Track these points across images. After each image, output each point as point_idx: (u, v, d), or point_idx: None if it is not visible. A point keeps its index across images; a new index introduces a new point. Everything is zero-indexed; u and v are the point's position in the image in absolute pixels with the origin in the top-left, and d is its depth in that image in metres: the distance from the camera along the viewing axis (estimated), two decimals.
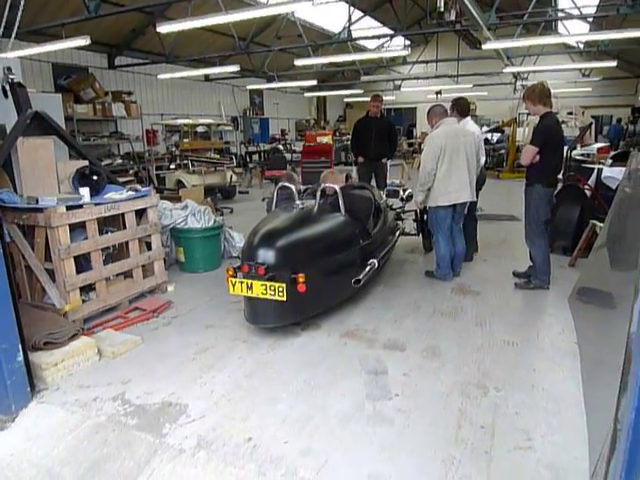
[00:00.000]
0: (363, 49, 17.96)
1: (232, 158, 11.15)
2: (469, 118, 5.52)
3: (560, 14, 11.78)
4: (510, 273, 4.73)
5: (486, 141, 15.96)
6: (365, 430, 2.39)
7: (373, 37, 14.22)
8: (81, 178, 3.97)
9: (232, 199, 10.17)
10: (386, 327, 3.59)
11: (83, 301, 3.67)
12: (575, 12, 11.24)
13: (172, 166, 10.85)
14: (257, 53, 13.19)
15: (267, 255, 3.24)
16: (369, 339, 3.39)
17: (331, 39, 15.86)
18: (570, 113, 15.11)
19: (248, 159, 13.89)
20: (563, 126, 15.61)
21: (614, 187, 5.43)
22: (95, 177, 3.96)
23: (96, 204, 3.71)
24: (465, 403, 2.59)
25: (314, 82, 14.70)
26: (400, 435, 2.34)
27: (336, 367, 3.02)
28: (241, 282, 3.27)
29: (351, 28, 16.28)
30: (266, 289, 3.19)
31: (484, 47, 8.93)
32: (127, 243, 4.04)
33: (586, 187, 5.71)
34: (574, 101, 15.43)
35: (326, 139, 10.79)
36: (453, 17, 11.08)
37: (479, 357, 3.09)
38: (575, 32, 13.09)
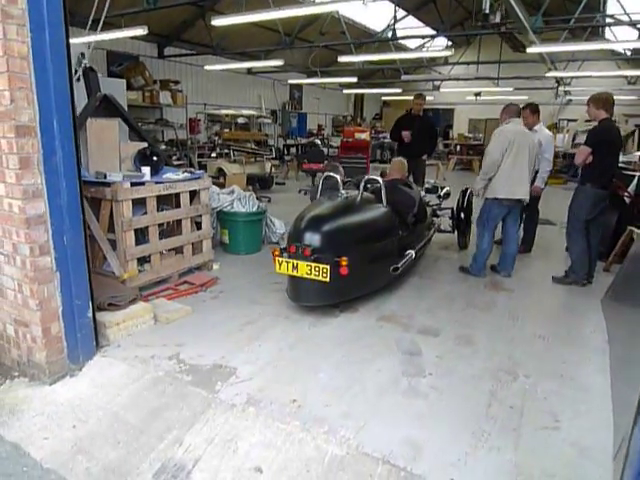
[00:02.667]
0: (404, 48, 17.97)
1: (271, 150, 11.42)
2: (542, 124, 5.65)
3: (608, 19, 11.55)
4: (545, 274, 4.81)
5: None
6: (400, 401, 2.58)
7: (416, 37, 14.26)
8: (142, 158, 4.27)
9: (270, 189, 10.45)
10: (421, 315, 3.76)
11: (139, 271, 3.98)
12: (624, 18, 10.99)
13: (213, 154, 11.21)
14: (301, 48, 13.39)
15: (313, 238, 3.45)
16: (404, 324, 3.57)
17: (373, 37, 16.00)
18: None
19: (286, 152, 14.16)
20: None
21: None
22: (155, 158, 4.25)
23: (156, 182, 4.01)
24: (495, 386, 2.74)
25: (354, 79, 14.84)
26: (433, 408, 2.52)
27: (373, 346, 3.21)
28: (287, 262, 3.49)
29: (395, 27, 16.42)
30: (311, 269, 3.40)
31: (529, 51, 8.89)
32: (180, 221, 4.33)
33: (625, 194, 5.70)
34: (618, 109, 15.03)
35: (364, 135, 10.94)
36: (498, 19, 11.06)
37: (510, 348, 3.23)
38: (622, 39, 12.81)
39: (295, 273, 3.48)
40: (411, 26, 16.78)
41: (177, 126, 11.75)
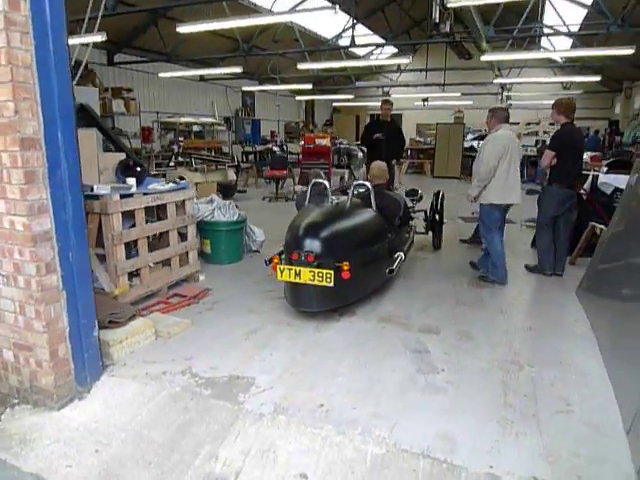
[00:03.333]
0: (354, 56, 18.40)
1: (233, 157, 11.32)
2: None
3: (546, 30, 12.43)
4: (516, 269, 5.10)
5: (471, 148, 16.62)
6: (422, 398, 2.67)
7: (373, 44, 14.60)
8: (124, 169, 4.13)
9: (232, 197, 10.32)
10: (417, 315, 3.88)
11: (130, 286, 3.84)
12: (561, 28, 11.87)
13: (171, 163, 10.93)
14: (258, 55, 13.36)
15: (315, 244, 3.49)
16: (404, 324, 3.68)
17: (324, 44, 16.25)
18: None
19: (244, 159, 14.05)
20: (546, 136, 16.24)
21: (609, 192, 5.90)
22: (139, 169, 4.12)
23: (144, 194, 3.89)
24: (505, 376, 2.90)
25: (309, 86, 15.00)
26: (454, 402, 2.63)
27: (381, 347, 3.29)
28: (289, 269, 3.51)
29: (344, 35, 16.77)
30: (314, 275, 3.43)
31: (482, 59, 9.39)
32: (165, 233, 4.22)
33: (582, 191, 6.15)
34: None
35: (324, 141, 11.06)
36: (448, 29, 11.59)
37: (507, 339, 3.42)
38: (559, 48, 13.81)
39: (298, 280, 3.49)
40: (360, 34, 17.22)
41: (131, 135, 11.38)
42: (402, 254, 4.19)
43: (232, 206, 5.43)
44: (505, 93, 17.29)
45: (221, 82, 16.18)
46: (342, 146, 14.92)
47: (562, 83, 16.65)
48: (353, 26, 11.58)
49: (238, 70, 11.06)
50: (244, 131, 17.45)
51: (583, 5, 10.71)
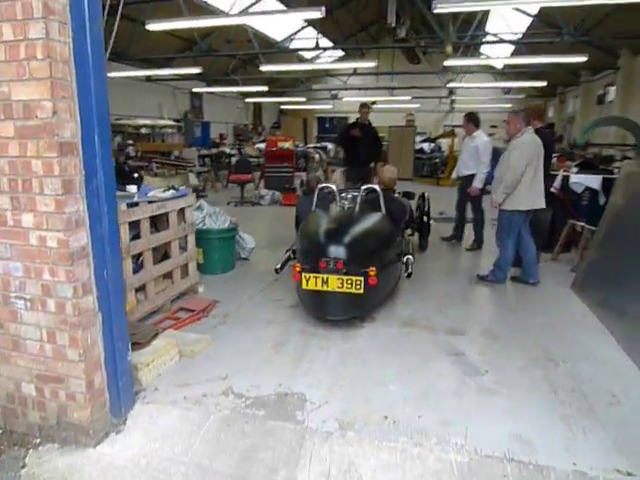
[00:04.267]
0: (302, 59, 18.39)
1: (198, 161, 10.88)
2: (481, 130, 6.16)
3: (491, 37, 13.09)
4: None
5: (421, 151, 17.16)
6: (480, 401, 2.67)
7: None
8: (118, 176, 3.79)
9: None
10: (435, 316, 3.89)
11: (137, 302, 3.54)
12: (505, 36, 12.55)
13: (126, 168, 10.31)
14: (211, 56, 12.95)
15: (344, 251, 3.40)
16: (428, 327, 3.67)
17: (274, 46, 16.11)
18: (494, 126, 16.73)
19: (202, 163, 13.57)
20: (491, 138, 17.04)
21: (579, 191, 6.27)
22: (136, 175, 3.82)
23: (149, 202, 3.61)
24: (546, 374, 2.96)
25: (265, 88, 14.78)
26: (511, 402, 2.65)
27: (417, 352, 3.26)
28: (316, 277, 3.38)
29: (293, 37, 16.71)
30: (342, 283, 3.34)
31: (445, 63, 9.69)
32: (169, 243, 3.94)
33: (553, 189, 6.50)
34: (500, 116, 17.08)
35: (287, 144, 10.93)
36: (404, 34, 11.89)
37: (531, 337, 3.50)
38: (501, 54, 14.61)
39: (325, 288, 3.38)
40: (310, 37, 17.23)
41: None
42: (411, 257, 4.19)
43: (222, 213, 5.18)
44: (453, 97, 18.00)
45: (168, 83, 15.52)
46: (299, 149, 14.88)
47: (502, 88, 17.62)
48: (317, 41, 11.40)
49: (196, 71, 10.64)
50: (194, 134, 16.86)
51: (528, 14, 11.37)
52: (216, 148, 15.71)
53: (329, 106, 20.71)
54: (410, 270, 3.86)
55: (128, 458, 2.27)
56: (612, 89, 12.65)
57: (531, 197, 4.44)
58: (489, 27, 13.75)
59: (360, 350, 3.29)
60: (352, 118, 24.17)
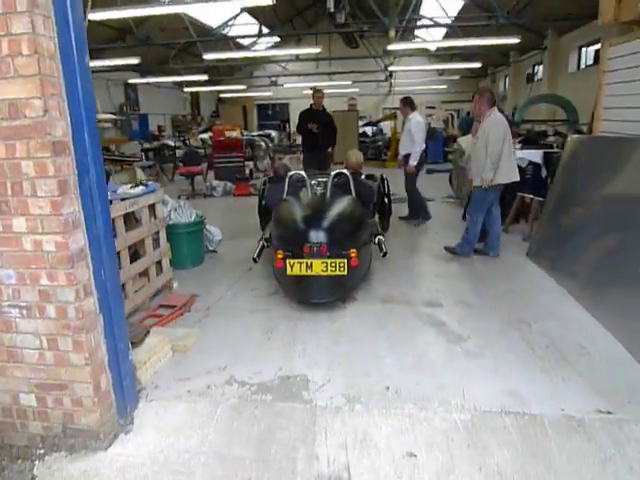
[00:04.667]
0: (239, 45, 18.01)
1: (142, 155, 10.46)
2: (417, 112, 6.43)
3: (427, 21, 13.50)
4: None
5: (364, 134, 17.47)
6: (469, 363, 2.88)
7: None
8: None
9: None
10: (411, 291, 4.09)
11: None
12: (440, 19, 12.98)
13: None
14: (149, 45, 12.39)
15: (325, 235, 3.49)
16: (406, 302, 3.86)
17: (210, 33, 15.66)
18: (432, 107, 17.29)
19: (145, 157, 13.05)
20: (428, 119, 17.51)
21: (524, 166, 6.71)
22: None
23: (122, 199, 3.50)
24: (521, 333, 3.24)
25: (205, 77, 14.38)
26: (496, 362, 2.89)
27: (402, 325, 3.44)
28: (300, 262, 3.46)
29: (229, 23, 16.33)
30: (327, 266, 3.44)
31: (389, 47, 9.90)
32: (143, 240, 3.85)
33: None
34: (436, 97, 17.72)
35: (235, 133, 10.78)
36: (343, 19, 11.98)
37: (501, 303, 3.79)
38: (436, 37, 15.09)
39: (309, 272, 3.47)
40: (246, 23, 16.90)
41: None
42: (382, 237, 4.35)
43: (187, 206, 5.10)
44: (392, 80, 18.40)
45: (100, 75, 14.72)
46: (245, 137, 14.68)
47: (437, 70, 18.24)
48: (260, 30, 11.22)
49: (133, 61, 10.18)
50: (131, 127, 16.16)
51: None
52: (157, 141, 15.14)
53: (269, 93, 20.51)
54: (385, 250, 4.02)
55: (144, 456, 2.27)
56: (540, 68, 13.49)
57: (511, 170, 4.71)
58: (423, 11, 14.17)
59: (348, 329, 3.42)
60: (292, 104, 24.23)
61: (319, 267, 3.44)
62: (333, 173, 4.33)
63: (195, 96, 22.45)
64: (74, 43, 2.04)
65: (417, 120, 6.54)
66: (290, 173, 4.39)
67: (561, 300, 3.80)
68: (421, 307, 3.75)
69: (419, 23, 12.98)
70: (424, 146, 6.53)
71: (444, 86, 18.40)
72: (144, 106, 17.71)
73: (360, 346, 3.15)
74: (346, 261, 3.43)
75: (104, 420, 2.32)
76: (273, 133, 18.34)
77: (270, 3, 6.16)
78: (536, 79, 14.12)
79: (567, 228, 4.40)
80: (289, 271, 3.49)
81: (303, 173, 4.33)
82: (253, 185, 10.34)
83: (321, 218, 3.61)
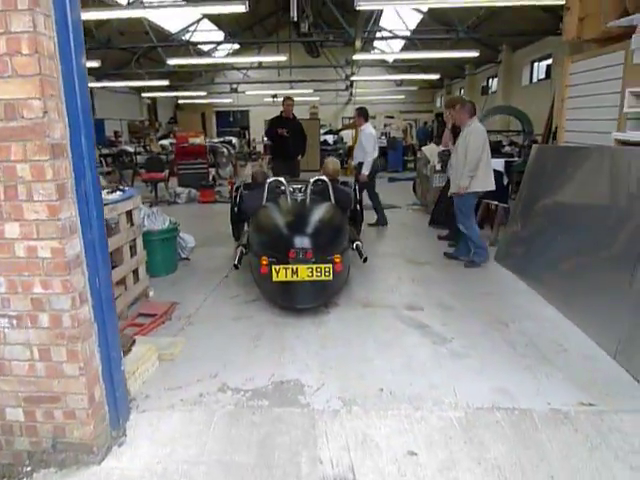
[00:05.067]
0: (199, 51, 17.79)
1: (101, 161, 10.10)
2: (369, 123, 6.66)
3: (386, 33, 13.88)
4: (427, 247, 5.83)
5: (325, 142, 17.65)
6: (456, 364, 2.99)
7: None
8: None
9: None
10: (391, 296, 4.18)
11: None
12: (398, 32, 13.38)
13: None
14: (110, 49, 12.02)
15: (311, 240, 3.52)
16: (388, 306, 3.95)
17: (169, 39, 15.40)
18: (391, 117, 17.73)
19: (105, 163, 12.59)
20: (387, 129, 17.86)
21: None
22: None
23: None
24: (501, 333, 3.39)
25: (166, 82, 14.09)
26: (482, 362, 3.01)
27: (387, 328, 3.51)
28: (285, 268, 3.47)
29: (189, 29, 16.13)
30: (312, 271, 3.47)
31: (355, 57, 10.09)
32: (120, 248, 3.74)
33: None
34: (395, 107, 18.17)
35: (199, 140, 10.62)
36: (306, 29, 12.11)
37: (479, 305, 3.94)
38: (394, 49, 15.51)
39: (295, 278, 3.48)
40: (205, 29, 16.74)
41: None
42: (360, 243, 4.43)
43: (159, 212, 4.99)
44: (353, 89, 18.72)
45: None
46: (208, 144, 14.48)
47: (395, 81, 18.73)
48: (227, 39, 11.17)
49: (93, 65, 9.84)
50: None
51: (420, 11, 12.24)
52: (114, 147, 14.67)
53: (229, 100, 20.35)
54: (365, 255, 4.09)
55: (141, 468, 2.20)
56: (494, 81, 14.15)
57: (486, 179, 4.84)
58: (383, 23, 14.55)
59: (335, 333, 3.46)
60: (253, 111, 24.09)
61: (305, 273, 3.46)
62: (312, 180, 4.38)
63: (153, 102, 21.94)
64: (72, 43, 1.98)
65: (369, 132, 6.82)
66: (269, 179, 4.40)
67: (533, 301, 4.00)
68: (402, 310, 3.84)
69: (379, 35, 13.28)
70: (376, 155, 6.76)
71: (402, 96, 18.94)
72: (100, 111, 17.11)
73: (349, 350, 3.19)
74: (331, 266, 3.47)
75: (97, 433, 2.23)
76: (234, 140, 18.18)
77: (243, 10, 6.15)
78: (490, 91, 14.82)
79: (533, 233, 4.65)
80: (275, 277, 3.49)
81: (282, 179, 4.35)
82: (218, 192, 10.22)
83: (305, 224, 3.64)
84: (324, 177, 4.44)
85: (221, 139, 16.83)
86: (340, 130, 17.55)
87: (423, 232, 6.72)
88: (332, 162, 5.21)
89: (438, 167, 7.61)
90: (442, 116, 19.67)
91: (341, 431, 2.38)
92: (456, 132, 5.46)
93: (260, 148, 20.34)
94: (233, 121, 23.47)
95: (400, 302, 4.02)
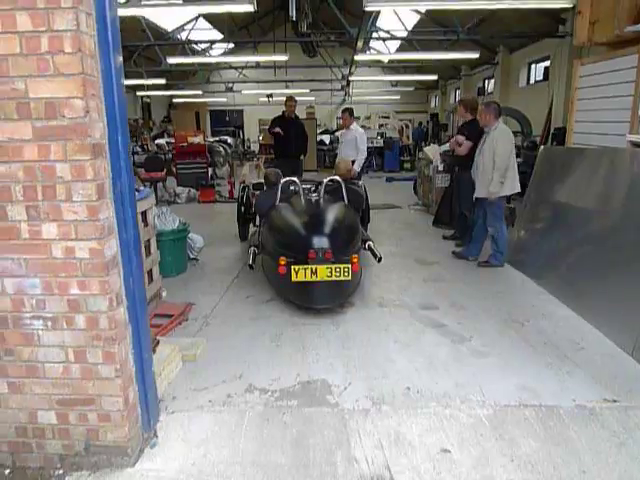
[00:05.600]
0: (194, 50, 17.68)
1: None
2: (355, 123, 6.77)
3: (382, 33, 13.92)
4: (429, 245, 5.90)
5: (322, 142, 17.66)
6: (479, 362, 3.02)
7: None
8: None
9: None
10: (404, 295, 4.20)
11: None
12: (396, 32, 13.42)
13: None
14: None
15: (330, 241, 3.53)
16: (403, 306, 3.97)
17: (164, 37, 15.28)
18: (387, 117, 17.79)
19: None
20: (383, 129, 17.92)
21: None
22: None
23: None
24: (518, 333, 3.43)
25: (163, 81, 13.99)
26: (503, 360, 3.04)
27: (405, 327, 3.53)
28: (305, 269, 3.47)
29: (185, 28, 16.02)
30: (331, 272, 3.48)
31: (361, 58, 10.10)
32: None
33: None
34: (390, 107, 18.24)
35: (198, 139, 10.57)
36: (305, 28, 12.10)
37: (492, 304, 3.98)
38: (391, 49, 15.57)
39: (314, 278, 3.49)
40: (201, 28, 16.64)
41: None
42: (372, 242, 4.45)
43: (169, 212, 4.97)
44: (348, 89, 18.75)
45: None
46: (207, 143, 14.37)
47: (391, 81, 18.80)
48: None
49: None
50: None
51: (418, 12, 12.29)
52: None
53: (224, 99, 20.27)
54: (380, 255, 4.10)
55: (176, 469, 2.20)
56: (491, 82, 14.27)
57: (514, 182, 4.76)
58: (379, 23, 14.58)
59: (354, 332, 3.47)
60: (247, 111, 23.98)
61: (324, 272, 3.47)
62: (325, 180, 4.38)
63: (147, 101, 21.78)
64: (111, 42, 1.97)
65: (361, 131, 6.97)
66: (283, 180, 4.39)
67: (545, 301, 4.05)
68: (418, 310, 3.87)
69: (376, 35, 13.31)
70: (366, 154, 6.93)
71: (397, 97, 19.02)
72: None
73: (370, 349, 3.21)
74: (350, 266, 3.48)
75: (132, 435, 2.22)
76: (229, 139, 18.12)
77: (251, 10, 6.13)
78: (486, 92, 14.95)
79: (543, 234, 4.70)
80: (294, 277, 3.49)
81: (296, 179, 4.35)
82: (218, 192, 10.18)
83: (324, 224, 3.65)
84: (337, 177, 4.45)
85: (216, 138, 16.74)
86: (336, 131, 17.55)
87: (428, 232, 6.76)
88: (344, 162, 5.22)
89: (440, 167, 7.66)
90: (437, 117, 19.91)
91: (373, 430, 2.39)
92: (464, 131, 5.51)
93: (255, 148, 20.30)
94: (227, 120, 23.36)
95: (414, 302, 4.05)
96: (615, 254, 3.59)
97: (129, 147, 2.22)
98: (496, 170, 4.65)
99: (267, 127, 7.87)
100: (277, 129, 7.08)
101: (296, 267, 3.48)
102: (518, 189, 4.88)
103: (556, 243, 4.40)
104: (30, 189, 1.92)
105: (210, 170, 12.97)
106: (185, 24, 15.67)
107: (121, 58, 2.08)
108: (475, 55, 9.13)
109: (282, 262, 3.55)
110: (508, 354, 3.11)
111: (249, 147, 21.20)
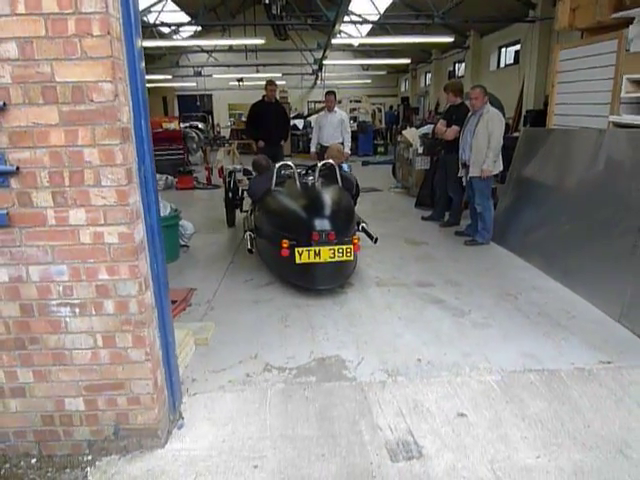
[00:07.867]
0: (162, 33, 17.17)
1: None
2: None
3: (355, 17, 13.89)
4: (416, 225, 6.14)
5: (295, 127, 17.57)
6: (481, 333, 3.18)
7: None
8: None
9: None
10: (399, 274, 4.34)
11: None
12: (369, 17, 13.43)
13: None
14: None
15: (332, 223, 3.60)
16: (401, 284, 4.10)
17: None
18: (358, 101, 17.83)
19: None
20: (356, 113, 17.95)
21: None
22: None
23: None
24: (513, 305, 3.62)
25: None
26: (503, 330, 3.22)
27: (407, 304, 3.67)
28: (309, 250, 3.54)
29: (152, 10, 15.54)
30: (334, 252, 3.56)
31: (333, 42, 10.07)
32: None
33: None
34: (363, 91, 18.28)
35: (173, 125, 10.36)
36: (277, 11, 11.95)
37: (485, 279, 4.16)
38: (362, 33, 15.56)
39: (317, 259, 3.56)
40: (168, 10, 16.16)
41: None
42: (365, 224, 4.55)
43: (160, 199, 4.90)
44: (321, 73, 18.64)
45: None
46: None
47: (362, 65, 18.82)
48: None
49: None
50: None
51: None
52: None
53: (193, 84, 19.82)
54: (375, 236, 4.21)
55: (207, 447, 2.25)
56: (462, 65, 14.51)
57: (499, 161, 5.02)
58: (351, 7, 14.52)
59: (359, 311, 3.57)
60: (216, 95, 23.50)
61: (327, 254, 3.55)
62: (320, 164, 4.43)
63: None
64: (133, 25, 1.95)
65: (345, 114, 7.10)
66: (279, 164, 4.41)
67: (534, 275, 4.27)
68: (415, 288, 4.01)
69: (349, 19, 13.26)
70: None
71: (368, 80, 19.07)
72: None
73: (376, 326, 3.32)
74: (352, 247, 3.57)
75: (160, 417, 2.26)
76: (200, 125, 17.79)
77: None
78: (457, 76, 15.20)
79: (527, 211, 4.91)
80: (297, 259, 3.55)
81: (291, 163, 4.38)
82: (196, 178, 10.05)
83: (325, 206, 3.71)
84: (331, 161, 4.50)
85: (187, 124, 16.40)
86: (309, 115, 17.49)
87: (411, 213, 6.92)
88: (336, 147, 5.28)
89: (420, 150, 7.81)
90: (408, 100, 20.10)
91: (392, 399, 2.51)
92: (452, 114, 5.65)
93: (225, 133, 20.00)
94: (196, 105, 22.86)
95: (410, 280, 4.19)
96: (596, 229, 3.81)
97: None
98: (492, 150, 4.86)
99: (245, 114, 7.76)
100: (261, 143, 6.94)
101: (300, 249, 3.54)
102: (502, 168, 5.13)
103: (540, 220, 4.62)
104: (56, 175, 1.90)
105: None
106: (151, 6, 15.19)
107: (141, 41, 2.06)
108: (450, 39, 9.28)
109: (285, 245, 3.60)
110: (507, 325, 3.29)
111: (219, 132, 20.86)
